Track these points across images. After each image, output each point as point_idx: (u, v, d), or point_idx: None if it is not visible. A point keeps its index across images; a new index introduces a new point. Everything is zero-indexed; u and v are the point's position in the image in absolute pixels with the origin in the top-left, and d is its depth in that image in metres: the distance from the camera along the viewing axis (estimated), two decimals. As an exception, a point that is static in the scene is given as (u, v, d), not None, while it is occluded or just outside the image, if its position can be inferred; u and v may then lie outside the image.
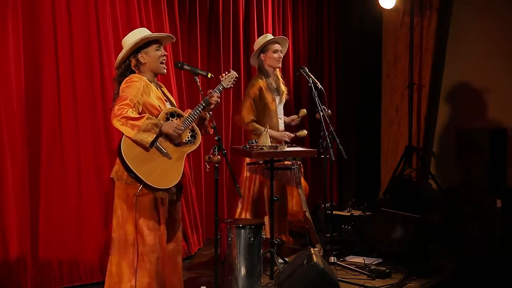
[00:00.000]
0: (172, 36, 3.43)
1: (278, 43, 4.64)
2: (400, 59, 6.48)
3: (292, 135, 4.67)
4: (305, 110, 4.84)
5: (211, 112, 3.37)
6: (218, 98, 3.34)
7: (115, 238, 3.18)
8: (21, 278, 3.74)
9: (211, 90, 3.36)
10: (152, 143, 3.05)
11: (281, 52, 4.65)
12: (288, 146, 4.28)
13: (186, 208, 4.79)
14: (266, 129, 4.27)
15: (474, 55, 5.87)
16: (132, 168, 3.03)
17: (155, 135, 3.04)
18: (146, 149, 3.05)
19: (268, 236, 4.22)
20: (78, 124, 4.07)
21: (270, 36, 4.70)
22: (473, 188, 5.61)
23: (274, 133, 4.51)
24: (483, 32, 5.81)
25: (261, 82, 4.57)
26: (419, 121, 6.29)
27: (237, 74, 3.52)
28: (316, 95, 4.33)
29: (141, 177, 3.04)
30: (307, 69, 4.49)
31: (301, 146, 4.80)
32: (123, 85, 3.15)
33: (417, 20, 6.20)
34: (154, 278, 3.16)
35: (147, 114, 3.07)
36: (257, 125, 4.52)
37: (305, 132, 4.74)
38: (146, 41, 3.22)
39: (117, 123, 3.00)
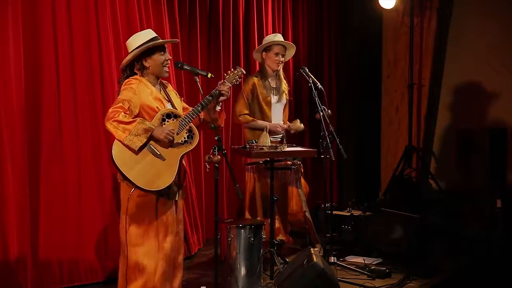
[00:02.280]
0: (177, 40, 3.42)
1: (283, 47, 4.63)
2: (400, 59, 6.48)
3: (286, 126, 4.67)
4: (298, 122, 4.78)
5: (221, 104, 3.34)
6: (227, 91, 3.30)
7: (122, 240, 3.18)
8: (21, 278, 3.74)
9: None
10: (142, 147, 3.04)
11: (282, 57, 4.64)
12: (288, 146, 4.28)
13: (186, 208, 4.77)
14: (266, 129, 4.27)
15: (474, 55, 5.87)
16: (123, 171, 3.03)
17: (145, 140, 3.03)
18: (136, 152, 3.05)
19: (267, 238, 4.22)
20: (78, 124, 4.06)
21: (280, 37, 4.67)
22: (473, 188, 5.61)
23: (267, 123, 4.51)
24: (483, 32, 5.80)
25: (255, 79, 4.61)
26: (419, 121, 6.28)
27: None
28: (316, 95, 4.33)
29: (131, 180, 3.04)
30: (307, 69, 4.48)
31: (301, 146, 4.79)
32: (122, 87, 3.16)
33: (417, 20, 6.20)
34: (163, 279, 3.17)
35: (138, 119, 3.05)
36: (249, 117, 4.56)
37: (300, 125, 4.72)
38: (152, 46, 3.19)
39: (109, 126, 3.01)
